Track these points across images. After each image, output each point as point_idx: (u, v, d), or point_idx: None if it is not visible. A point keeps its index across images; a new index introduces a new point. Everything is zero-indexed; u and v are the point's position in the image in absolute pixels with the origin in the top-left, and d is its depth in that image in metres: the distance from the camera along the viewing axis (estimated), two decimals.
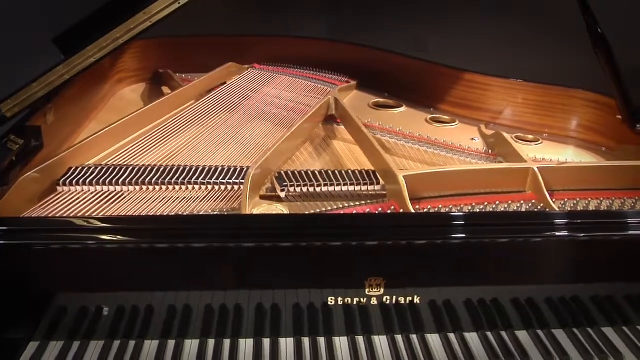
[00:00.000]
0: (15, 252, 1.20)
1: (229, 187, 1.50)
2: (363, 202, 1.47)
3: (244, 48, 2.31)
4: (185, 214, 1.40)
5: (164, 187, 1.49)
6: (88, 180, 1.47)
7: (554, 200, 1.50)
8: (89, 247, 1.20)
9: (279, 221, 1.32)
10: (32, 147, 1.49)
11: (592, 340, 1.31)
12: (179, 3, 1.52)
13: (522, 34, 2.08)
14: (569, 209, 1.50)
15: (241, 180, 1.49)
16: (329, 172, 1.56)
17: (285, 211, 1.43)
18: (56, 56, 1.47)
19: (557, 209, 1.47)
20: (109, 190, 1.46)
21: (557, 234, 1.29)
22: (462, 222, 1.30)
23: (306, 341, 1.28)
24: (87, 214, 1.36)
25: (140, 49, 2.20)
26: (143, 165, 1.55)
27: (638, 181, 1.58)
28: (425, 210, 1.45)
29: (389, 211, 1.43)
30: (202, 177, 1.52)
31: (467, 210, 1.47)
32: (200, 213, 1.40)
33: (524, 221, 1.34)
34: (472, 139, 1.90)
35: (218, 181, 1.51)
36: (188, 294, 1.25)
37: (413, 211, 1.39)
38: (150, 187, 1.49)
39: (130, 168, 1.53)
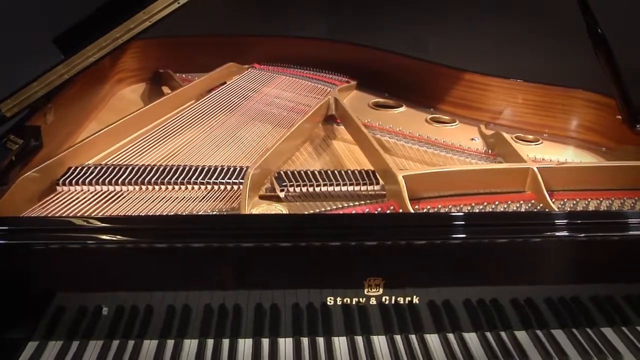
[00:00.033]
0: (15, 252, 1.20)
1: (229, 187, 1.50)
2: (362, 202, 1.47)
3: (244, 48, 2.31)
4: (184, 213, 1.40)
5: (163, 187, 1.49)
6: (87, 180, 1.47)
7: (553, 200, 1.50)
8: (89, 247, 1.20)
9: (278, 221, 1.32)
10: (31, 146, 1.49)
11: (591, 340, 1.31)
12: (179, 3, 1.52)
13: (522, 34, 2.08)
14: (569, 209, 1.50)
15: (240, 180, 1.49)
16: (329, 172, 1.56)
17: (285, 211, 1.43)
18: (56, 56, 1.48)
19: (557, 209, 1.47)
20: (108, 190, 1.47)
21: (557, 234, 1.29)
22: (462, 222, 1.30)
23: (305, 341, 1.28)
24: (86, 214, 1.36)
25: (140, 49, 2.20)
26: (143, 165, 1.56)
27: (638, 181, 1.58)
28: (425, 210, 1.45)
29: (388, 211, 1.43)
30: (201, 177, 1.52)
31: (467, 211, 1.46)
32: (200, 213, 1.41)
33: (523, 221, 1.34)
34: (472, 139, 1.89)
35: (217, 181, 1.51)
36: (187, 294, 1.25)
37: (412, 211, 1.39)
38: (150, 187, 1.49)
39: (130, 168, 1.53)
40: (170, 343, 1.27)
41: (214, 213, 1.41)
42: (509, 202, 1.51)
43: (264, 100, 2.01)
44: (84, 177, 1.48)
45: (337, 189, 1.52)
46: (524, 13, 2.12)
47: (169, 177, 1.51)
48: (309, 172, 1.55)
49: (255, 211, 1.42)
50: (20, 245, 1.20)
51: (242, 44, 2.33)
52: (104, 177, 1.49)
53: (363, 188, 1.53)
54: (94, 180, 1.47)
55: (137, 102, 2.12)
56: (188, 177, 1.51)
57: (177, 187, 1.49)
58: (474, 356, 1.26)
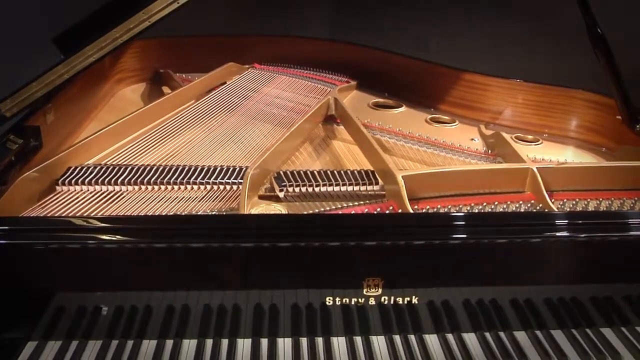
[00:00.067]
0: (14, 252, 1.19)
1: (228, 187, 1.50)
2: (362, 202, 1.47)
3: (244, 48, 2.32)
4: (184, 213, 1.40)
5: (163, 187, 1.49)
6: (87, 180, 1.47)
7: (553, 200, 1.49)
8: (88, 247, 1.20)
9: (277, 221, 1.32)
10: (31, 146, 1.49)
11: (591, 340, 1.31)
12: (178, 3, 1.52)
13: (522, 34, 2.09)
14: (568, 210, 1.50)
15: (240, 180, 1.49)
16: (328, 172, 1.56)
17: (284, 211, 1.43)
18: (56, 56, 1.48)
19: (556, 210, 1.47)
20: (108, 190, 1.47)
21: (556, 234, 1.29)
22: (461, 223, 1.30)
23: (304, 341, 1.28)
24: (86, 214, 1.36)
25: (140, 48, 2.20)
26: (142, 165, 1.56)
27: (638, 181, 1.57)
28: (424, 210, 1.45)
29: (387, 211, 1.43)
30: (201, 177, 1.52)
31: (466, 211, 1.46)
32: (199, 213, 1.41)
33: (522, 222, 1.33)
34: (472, 139, 1.89)
35: (217, 181, 1.51)
36: (186, 294, 1.25)
37: (412, 211, 1.39)
38: (150, 187, 1.49)
39: (130, 168, 1.53)
40: (169, 343, 1.27)
41: (213, 213, 1.41)
42: (509, 203, 1.51)
43: (263, 100, 2.01)
44: (84, 177, 1.48)
45: (336, 189, 1.52)
46: (524, 13, 2.13)
47: (168, 177, 1.51)
48: (308, 172, 1.55)
49: (254, 211, 1.42)
50: (19, 245, 1.20)
51: (242, 44, 2.33)
52: (103, 177, 1.49)
53: (362, 188, 1.53)
54: (94, 180, 1.47)
55: (137, 102, 2.12)
56: (188, 177, 1.51)
57: (176, 187, 1.49)
58: (473, 356, 1.26)
